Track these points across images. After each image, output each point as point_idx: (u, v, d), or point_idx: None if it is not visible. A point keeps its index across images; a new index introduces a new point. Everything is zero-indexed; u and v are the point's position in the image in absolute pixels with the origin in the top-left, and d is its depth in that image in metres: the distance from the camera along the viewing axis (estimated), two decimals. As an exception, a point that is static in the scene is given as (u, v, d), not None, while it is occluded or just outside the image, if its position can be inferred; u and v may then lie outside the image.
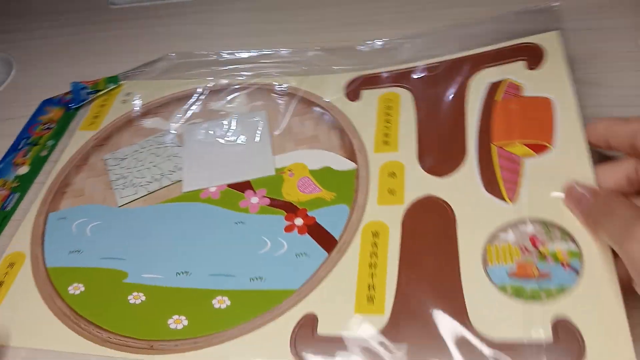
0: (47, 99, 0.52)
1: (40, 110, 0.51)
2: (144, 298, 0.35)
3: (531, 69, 0.40)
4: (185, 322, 0.33)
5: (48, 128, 0.49)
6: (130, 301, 0.35)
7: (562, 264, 0.30)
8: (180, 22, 0.58)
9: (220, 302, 0.34)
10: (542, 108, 0.38)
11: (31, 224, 0.41)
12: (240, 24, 0.55)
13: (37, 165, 0.46)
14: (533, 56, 0.41)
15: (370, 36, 0.47)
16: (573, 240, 0.31)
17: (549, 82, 0.39)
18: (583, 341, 0.27)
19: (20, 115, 0.51)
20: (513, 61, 0.41)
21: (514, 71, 0.40)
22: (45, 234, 0.41)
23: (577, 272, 0.29)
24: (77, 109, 0.50)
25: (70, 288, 0.37)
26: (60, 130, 0.49)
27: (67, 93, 0.52)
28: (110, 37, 0.58)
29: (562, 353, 0.27)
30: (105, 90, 0.51)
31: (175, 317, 0.34)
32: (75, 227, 0.40)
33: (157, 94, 0.50)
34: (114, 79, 0.51)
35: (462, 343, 0.29)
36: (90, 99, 0.51)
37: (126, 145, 0.46)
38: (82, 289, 0.37)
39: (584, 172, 0.33)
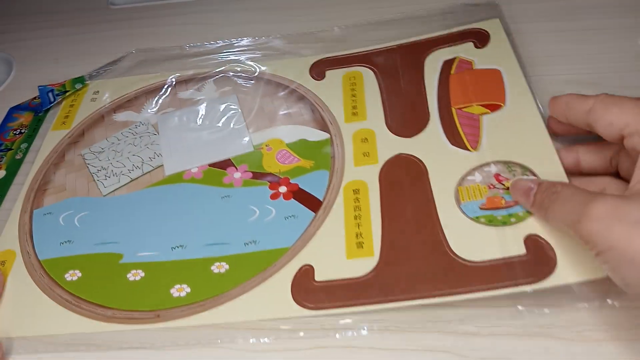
0: (13, 106, 0.52)
1: (8, 117, 0.51)
2: (143, 274, 0.37)
3: (478, 48, 0.45)
4: (188, 290, 0.35)
5: (20, 133, 0.50)
6: (130, 278, 0.36)
7: None
8: (180, 22, 0.58)
9: (219, 267, 0.36)
10: (492, 77, 0.42)
11: (16, 222, 0.42)
12: (240, 24, 0.56)
13: (13, 168, 0.47)
14: (479, 38, 0.46)
15: (371, 36, 0.50)
16: (533, 173, 0.35)
17: (496, 57, 0.44)
18: (552, 249, 0.31)
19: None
20: (462, 43, 0.46)
21: (464, 50, 0.45)
22: (33, 230, 0.41)
23: None
24: (46, 111, 0.51)
25: (66, 275, 0.38)
26: (32, 133, 0.49)
27: (33, 98, 0.52)
28: (110, 37, 0.58)
29: (536, 262, 0.31)
30: (73, 91, 0.52)
31: (177, 286, 0.35)
32: (63, 220, 0.41)
33: (125, 89, 0.51)
34: (80, 80, 0.52)
35: (447, 269, 0.32)
36: (58, 100, 0.51)
37: (101, 140, 0.47)
38: (79, 274, 0.38)
39: (534, 121, 0.38)
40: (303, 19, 0.55)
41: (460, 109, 0.41)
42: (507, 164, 0.36)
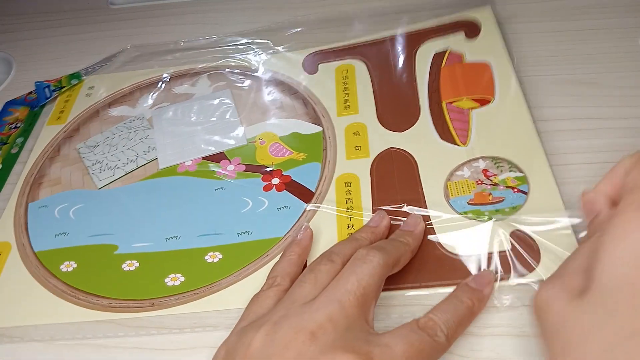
0: (9, 100, 0.53)
1: (4, 112, 0.52)
2: (137, 264, 0.37)
3: (469, 38, 0.46)
4: (182, 279, 0.35)
5: (15, 127, 0.50)
6: (125, 269, 0.37)
7: (512, 189, 0.35)
8: (180, 22, 0.58)
9: (213, 257, 0.36)
10: (482, 71, 0.44)
11: (12, 215, 0.42)
12: (240, 24, 0.56)
13: (9, 162, 0.47)
14: (471, 29, 0.47)
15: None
16: (519, 170, 0.36)
17: (486, 49, 0.45)
18: (536, 244, 0.32)
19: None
20: (453, 33, 0.47)
21: (455, 42, 0.46)
22: (28, 222, 0.42)
23: (525, 193, 0.35)
24: (42, 106, 0.52)
25: (62, 267, 0.38)
26: (28, 127, 0.50)
27: (29, 93, 0.53)
28: (110, 37, 0.58)
29: (521, 256, 0.32)
30: (68, 87, 0.52)
31: (172, 275, 0.36)
32: (58, 213, 0.42)
33: (120, 85, 0.52)
34: (76, 75, 0.53)
35: (436, 262, 0.33)
36: (54, 96, 0.52)
37: (96, 134, 0.47)
38: (75, 265, 0.38)
39: (522, 117, 0.39)
40: (303, 19, 0.55)
41: (450, 103, 0.42)
42: (495, 159, 0.37)
